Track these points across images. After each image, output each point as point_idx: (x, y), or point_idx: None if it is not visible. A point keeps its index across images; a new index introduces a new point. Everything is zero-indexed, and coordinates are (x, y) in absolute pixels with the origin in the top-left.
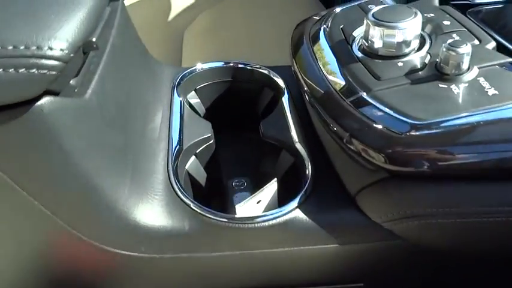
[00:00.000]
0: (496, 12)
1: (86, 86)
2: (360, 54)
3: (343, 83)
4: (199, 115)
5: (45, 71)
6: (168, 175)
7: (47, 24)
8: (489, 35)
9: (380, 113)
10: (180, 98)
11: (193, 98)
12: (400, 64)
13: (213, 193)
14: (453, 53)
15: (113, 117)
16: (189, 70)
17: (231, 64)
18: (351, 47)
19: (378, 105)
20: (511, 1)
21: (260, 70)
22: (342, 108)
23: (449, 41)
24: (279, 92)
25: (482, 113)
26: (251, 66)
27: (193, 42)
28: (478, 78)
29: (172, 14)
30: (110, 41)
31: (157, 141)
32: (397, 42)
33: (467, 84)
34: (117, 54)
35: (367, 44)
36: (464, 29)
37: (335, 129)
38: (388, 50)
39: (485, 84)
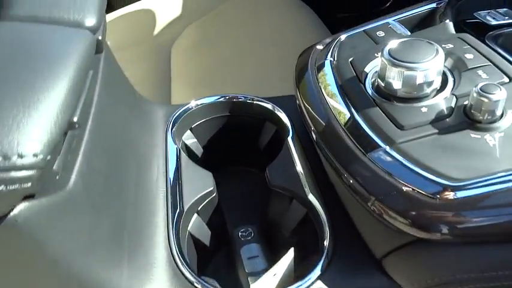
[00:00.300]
0: None
1: (70, 168)
2: (375, 95)
3: (360, 132)
4: (197, 156)
5: (16, 186)
6: (170, 246)
7: (14, 123)
8: None
9: (408, 172)
10: (176, 145)
11: (189, 139)
12: (424, 110)
13: (219, 246)
14: (486, 100)
15: (103, 195)
16: (182, 109)
17: (228, 97)
18: (364, 85)
19: (404, 161)
20: None
21: (261, 103)
22: (362, 164)
23: (480, 85)
24: (282, 128)
25: None
26: (251, 100)
27: (181, 59)
28: None
29: (158, 27)
30: (95, 101)
31: (154, 203)
32: (419, 84)
33: (502, 134)
34: (103, 114)
35: (383, 85)
36: (489, 63)
37: (355, 188)
38: (408, 92)
39: None
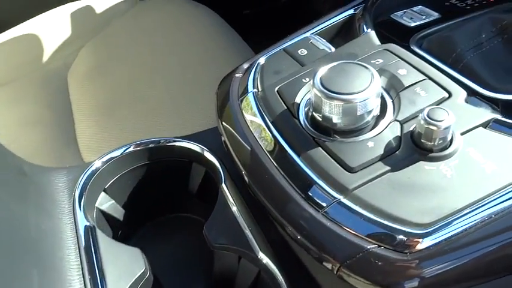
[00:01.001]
0: (443, 40)
1: None
2: (312, 131)
3: (306, 180)
4: (118, 219)
5: None
6: None
7: None
8: (451, 77)
9: (370, 226)
10: (88, 222)
11: (105, 203)
12: (370, 144)
13: None
14: (435, 128)
15: None
16: (89, 172)
17: (141, 144)
18: (298, 119)
19: (363, 212)
20: (446, 19)
21: (182, 145)
22: (317, 222)
23: (426, 111)
24: (212, 170)
25: (491, 202)
26: (170, 142)
27: (81, 87)
28: (467, 150)
29: (47, 53)
30: None
31: None
32: (359, 115)
33: (457, 161)
34: None
35: (319, 119)
36: (425, 77)
37: (314, 251)
38: (348, 125)
39: (479, 157)
